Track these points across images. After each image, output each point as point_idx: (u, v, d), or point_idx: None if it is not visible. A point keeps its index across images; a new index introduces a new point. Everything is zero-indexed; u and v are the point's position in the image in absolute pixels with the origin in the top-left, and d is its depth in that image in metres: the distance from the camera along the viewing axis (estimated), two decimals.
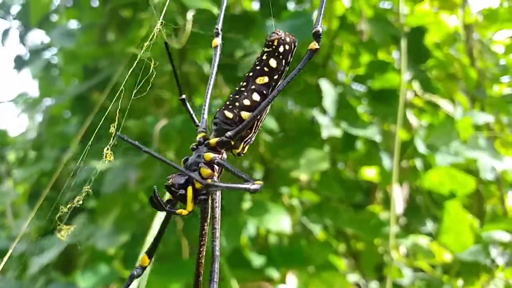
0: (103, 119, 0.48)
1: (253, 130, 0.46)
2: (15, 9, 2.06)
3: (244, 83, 0.45)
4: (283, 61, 0.44)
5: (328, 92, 1.15)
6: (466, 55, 1.38)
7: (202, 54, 1.53)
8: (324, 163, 1.12)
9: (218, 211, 0.44)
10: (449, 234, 1.15)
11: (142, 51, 0.43)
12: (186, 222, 1.26)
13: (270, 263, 1.16)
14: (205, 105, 0.48)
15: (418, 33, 1.22)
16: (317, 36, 0.42)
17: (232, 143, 0.45)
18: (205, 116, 0.48)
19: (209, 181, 0.41)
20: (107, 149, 0.42)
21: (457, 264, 1.35)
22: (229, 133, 0.44)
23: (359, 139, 1.25)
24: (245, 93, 0.45)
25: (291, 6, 1.34)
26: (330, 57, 1.43)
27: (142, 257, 0.45)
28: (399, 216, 1.33)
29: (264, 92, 0.44)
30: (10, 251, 0.59)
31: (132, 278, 0.44)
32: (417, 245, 1.24)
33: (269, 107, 0.45)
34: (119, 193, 1.36)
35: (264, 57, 0.45)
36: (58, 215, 0.43)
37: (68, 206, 0.43)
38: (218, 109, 0.46)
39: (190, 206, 0.42)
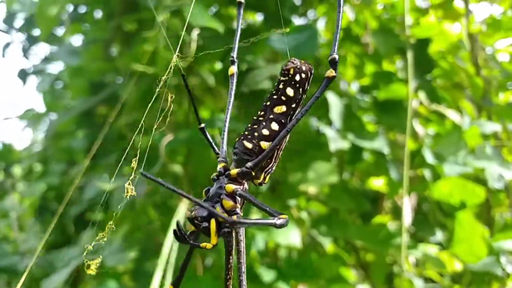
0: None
1: (273, 160, 0.46)
2: (19, 23, 2.08)
3: (262, 113, 0.45)
4: (300, 89, 0.44)
5: (335, 104, 1.15)
6: (471, 64, 1.38)
7: (207, 66, 1.54)
8: (333, 176, 1.12)
9: (243, 245, 0.43)
10: (461, 244, 1.14)
11: (160, 86, 0.43)
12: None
13: (280, 277, 1.15)
14: (223, 134, 0.48)
15: (423, 43, 1.22)
16: (333, 64, 0.42)
17: (253, 173, 0.45)
18: (225, 145, 0.48)
19: (234, 217, 0.41)
20: (129, 184, 0.41)
21: (468, 274, 1.35)
22: (249, 164, 0.44)
23: (367, 150, 1.25)
24: (264, 123, 0.44)
25: (295, 19, 1.35)
26: None
27: None
28: (408, 226, 1.32)
29: (283, 121, 0.44)
30: (27, 270, 0.59)
31: None
32: (427, 255, 1.24)
33: (288, 136, 0.45)
34: (127, 209, 1.36)
35: (281, 86, 0.44)
36: (84, 253, 0.43)
37: (93, 243, 0.42)
38: (237, 139, 0.46)
39: (214, 239, 0.42)
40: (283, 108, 0.44)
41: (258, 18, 1.50)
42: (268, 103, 0.45)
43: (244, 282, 0.42)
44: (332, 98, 1.18)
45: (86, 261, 0.42)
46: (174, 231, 0.42)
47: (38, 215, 1.86)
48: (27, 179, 2.43)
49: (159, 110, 0.50)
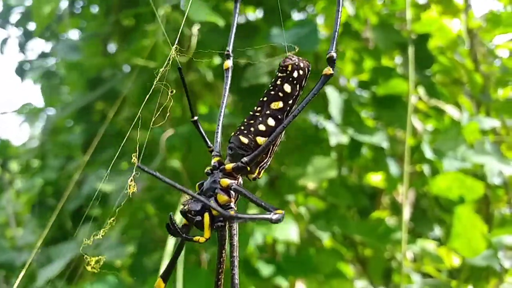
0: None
1: (268, 155, 0.46)
2: (15, 17, 2.07)
3: (259, 108, 0.45)
4: (297, 86, 0.44)
5: (334, 99, 1.15)
6: (471, 59, 1.38)
7: (206, 62, 1.53)
8: (332, 171, 1.12)
9: (236, 239, 0.43)
10: (459, 239, 1.15)
11: (157, 79, 0.43)
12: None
13: (278, 272, 1.15)
14: (218, 128, 0.48)
15: (423, 38, 1.22)
16: (331, 61, 0.42)
17: (248, 168, 0.44)
18: (219, 139, 0.48)
19: (232, 212, 0.40)
20: (131, 180, 0.41)
21: (465, 269, 1.35)
22: (245, 159, 0.44)
23: (365, 145, 1.25)
24: (260, 118, 0.44)
25: (295, 14, 1.34)
26: None
27: (158, 281, 0.44)
28: (407, 222, 1.33)
29: (279, 117, 0.44)
30: (26, 265, 0.59)
31: None
32: (425, 250, 1.24)
33: (284, 132, 0.45)
34: (125, 204, 1.36)
35: (278, 82, 0.44)
36: (81, 247, 0.43)
37: (92, 238, 0.42)
38: (233, 134, 0.46)
39: (207, 233, 0.42)
40: (280, 104, 0.44)
41: (257, 13, 1.49)
42: (265, 98, 0.45)
43: (237, 276, 0.41)
44: (331, 93, 1.18)
45: (86, 258, 0.42)
46: (167, 224, 0.42)
47: (35, 210, 1.85)
48: (24, 175, 2.43)
49: (157, 104, 0.49)
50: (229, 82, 0.49)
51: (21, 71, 2.06)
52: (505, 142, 1.39)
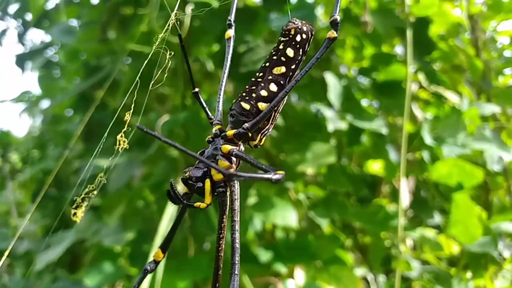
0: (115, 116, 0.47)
1: (270, 122, 0.45)
2: (13, 8, 2.06)
3: (261, 74, 0.45)
4: (300, 50, 0.44)
5: (333, 85, 1.14)
6: (471, 46, 1.37)
7: (205, 51, 1.52)
8: (331, 157, 1.11)
9: (237, 203, 0.43)
10: (457, 226, 1.14)
11: (157, 43, 0.43)
12: (193, 220, 1.25)
13: (277, 258, 1.15)
14: (219, 97, 0.48)
15: (423, 24, 1.21)
16: (335, 25, 0.42)
17: (250, 135, 0.44)
18: (220, 108, 0.48)
19: (231, 171, 0.40)
20: (121, 136, 0.41)
21: (465, 257, 1.35)
22: (246, 125, 0.44)
23: (365, 132, 1.24)
24: (262, 84, 0.44)
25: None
26: (333, 51, 1.41)
27: (156, 251, 0.45)
28: (406, 209, 1.32)
29: (282, 82, 0.44)
30: (9, 249, 0.58)
31: (145, 272, 0.44)
32: (424, 238, 1.24)
33: (286, 97, 0.44)
34: (123, 190, 1.36)
35: (281, 47, 0.44)
36: (74, 205, 0.43)
37: (82, 196, 0.42)
38: (234, 100, 0.45)
39: (208, 198, 0.42)
40: (283, 69, 0.44)
41: None
42: (268, 64, 0.45)
43: (238, 240, 0.41)
44: (330, 79, 1.17)
45: (73, 208, 0.42)
46: (168, 191, 0.42)
47: (34, 199, 1.85)
48: (25, 165, 2.43)
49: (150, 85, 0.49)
50: (230, 51, 0.49)
51: (21, 62, 2.06)
52: (506, 128, 1.38)
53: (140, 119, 0.50)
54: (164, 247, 0.45)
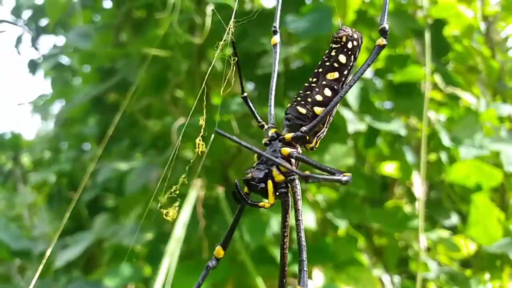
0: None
1: (325, 125, 0.47)
2: (26, 14, 2.08)
3: (314, 79, 0.47)
4: (352, 56, 0.46)
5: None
6: (487, 47, 1.37)
7: (216, 53, 1.53)
8: (349, 159, 1.12)
9: (300, 203, 0.45)
10: (476, 227, 1.14)
11: (219, 51, 0.44)
12: (208, 222, 1.26)
13: (295, 259, 1.15)
14: (270, 102, 0.50)
15: (439, 25, 1.21)
16: (383, 33, 0.44)
17: (307, 137, 0.46)
18: (273, 112, 0.49)
19: (307, 172, 0.41)
20: (199, 139, 0.43)
21: (480, 258, 1.35)
22: (304, 128, 0.46)
23: (382, 133, 1.25)
24: (317, 89, 0.46)
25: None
26: None
27: (217, 248, 0.46)
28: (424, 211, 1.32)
29: (335, 87, 0.46)
30: (47, 254, 0.59)
31: (208, 269, 0.46)
32: (442, 238, 1.24)
33: (340, 102, 0.46)
34: (140, 192, 1.37)
35: (333, 53, 0.46)
36: (159, 205, 0.46)
37: (166, 196, 0.44)
38: (289, 105, 0.47)
39: (271, 199, 0.44)
40: (336, 75, 0.46)
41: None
42: (320, 69, 0.46)
43: (303, 238, 0.43)
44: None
45: (163, 210, 0.44)
46: (233, 192, 0.44)
47: (50, 201, 1.87)
48: (37, 167, 2.45)
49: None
50: (277, 57, 0.51)
51: (33, 65, 2.08)
52: None
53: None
54: (224, 244, 0.47)
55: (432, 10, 1.19)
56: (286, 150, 0.45)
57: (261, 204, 0.44)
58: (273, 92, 0.50)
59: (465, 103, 1.36)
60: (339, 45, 0.46)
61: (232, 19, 0.46)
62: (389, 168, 1.58)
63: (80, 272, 1.70)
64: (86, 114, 1.83)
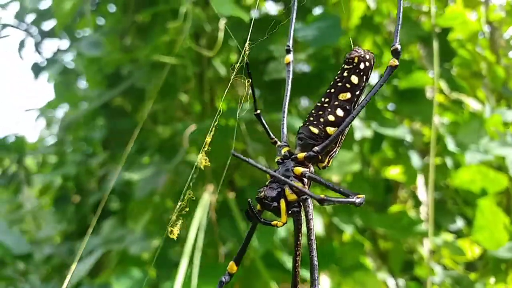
0: None
1: (337, 144, 0.48)
2: (30, 17, 2.09)
3: (327, 99, 0.47)
4: (364, 77, 0.46)
5: None
6: (491, 52, 1.38)
7: (222, 58, 1.54)
8: (355, 164, 1.13)
9: (312, 223, 0.45)
10: (482, 231, 1.15)
11: (235, 73, 0.45)
12: (221, 228, 1.26)
13: (302, 264, 1.16)
14: (283, 121, 0.50)
15: (444, 32, 1.22)
16: (396, 54, 0.44)
17: (320, 157, 0.46)
18: (285, 130, 0.50)
19: (322, 195, 0.42)
20: (202, 155, 0.44)
21: (487, 262, 1.35)
22: (316, 148, 0.46)
23: (387, 138, 1.26)
24: (329, 109, 0.46)
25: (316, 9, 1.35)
26: None
27: (230, 264, 0.47)
28: (428, 215, 1.33)
29: (347, 107, 0.46)
30: (73, 266, 0.60)
31: (221, 284, 0.46)
32: (447, 243, 1.25)
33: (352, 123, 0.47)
34: (148, 199, 1.38)
35: (345, 74, 0.46)
36: (170, 223, 0.46)
37: (176, 214, 0.45)
38: (302, 125, 0.48)
39: (284, 218, 0.44)
40: (348, 95, 0.46)
41: (277, 7, 1.49)
42: (333, 90, 0.47)
43: (316, 258, 0.43)
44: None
45: (169, 228, 0.45)
46: (246, 210, 0.44)
47: (55, 205, 1.88)
48: (41, 170, 2.46)
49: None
50: (291, 76, 0.51)
51: (36, 69, 2.09)
52: None
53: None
54: (237, 260, 0.47)
55: (439, 19, 1.20)
56: (299, 169, 0.45)
57: (273, 223, 0.44)
58: (286, 111, 0.50)
59: (469, 108, 1.37)
60: (351, 66, 0.46)
61: (248, 41, 0.47)
62: (394, 172, 1.59)
63: (87, 275, 1.70)
64: (92, 118, 1.83)
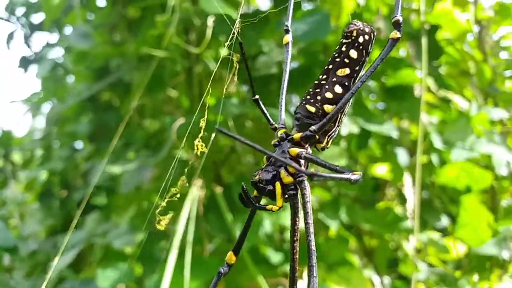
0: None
1: (336, 124, 0.45)
2: (20, 10, 2.06)
3: (324, 76, 0.44)
4: (363, 51, 0.44)
5: None
6: (479, 51, 1.39)
7: (212, 54, 1.53)
8: (342, 160, 1.13)
9: (309, 206, 0.43)
10: (465, 228, 1.16)
11: (223, 52, 0.44)
12: (208, 222, 1.25)
13: (287, 259, 1.16)
14: (281, 102, 0.48)
15: (432, 29, 1.23)
16: (397, 25, 0.42)
17: (317, 137, 0.44)
18: (283, 111, 0.47)
19: (312, 170, 0.39)
20: (198, 141, 0.42)
21: (470, 260, 1.36)
22: (313, 127, 0.43)
23: (373, 135, 1.26)
24: (326, 86, 0.44)
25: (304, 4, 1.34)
26: None
27: (229, 254, 0.45)
28: (413, 212, 1.34)
29: (346, 84, 0.44)
30: (54, 264, 0.59)
31: (220, 275, 0.44)
32: (432, 240, 1.25)
33: (351, 99, 0.44)
34: (133, 192, 1.37)
35: (344, 49, 0.44)
36: (158, 210, 0.44)
37: (166, 200, 0.43)
38: (298, 104, 0.45)
39: (280, 201, 0.42)
40: (347, 71, 0.44)
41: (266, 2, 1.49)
42: (330, 66, 0.44)
43: (313, 242, 0.41)
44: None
45: (158, 217, 0.43)
46: (240, 194, 0.42)
47: (41, 200, 1.85)
48: (28, 166, 2.43)
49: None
50: (289, 56, 0.49)
51: (24, 62, 2.07)
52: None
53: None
54: (236, 250, 0.45)
55: (428, 16, 1.20)
56: (295, 150, 0.43)
57: (268, 207, 0.42)
58: (284, 92, 0.47)
59: (457, 106, 1.38)
60: (349, 40, 0.43)
61: (238, 19, 0.45)
62: (381, 170, 1.59)
63: (70, 271, 1.68)
64: (78, 112, 1.82)
